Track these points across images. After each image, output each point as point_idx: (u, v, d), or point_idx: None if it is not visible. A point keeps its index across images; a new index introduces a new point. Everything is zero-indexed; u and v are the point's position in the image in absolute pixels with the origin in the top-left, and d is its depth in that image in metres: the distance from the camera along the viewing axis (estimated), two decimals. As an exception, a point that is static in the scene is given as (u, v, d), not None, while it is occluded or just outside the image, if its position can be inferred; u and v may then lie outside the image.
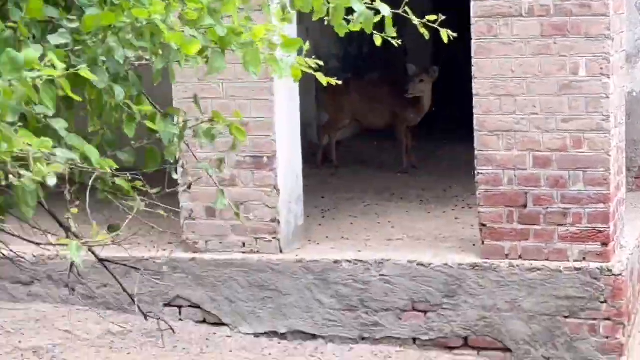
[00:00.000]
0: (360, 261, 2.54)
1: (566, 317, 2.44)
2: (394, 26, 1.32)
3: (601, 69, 2.37)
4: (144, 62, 1.11)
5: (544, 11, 2.39)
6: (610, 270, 2.41)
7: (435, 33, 1.45)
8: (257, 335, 2.55)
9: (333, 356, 2.43)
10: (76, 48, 0.99)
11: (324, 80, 1.32)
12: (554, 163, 2.43)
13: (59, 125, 0.94)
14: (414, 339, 2.50)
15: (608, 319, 2.41)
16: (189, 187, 2.16)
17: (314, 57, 1.27)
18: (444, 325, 2.48)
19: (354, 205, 3.20)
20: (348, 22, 1.27)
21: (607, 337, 2.42)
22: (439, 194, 3.28)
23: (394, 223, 2.92)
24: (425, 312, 2.48)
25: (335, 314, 2.53)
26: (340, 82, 1.39)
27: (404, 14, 1.38)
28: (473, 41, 2.43)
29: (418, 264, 2.50)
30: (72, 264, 1.61)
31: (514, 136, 2.44)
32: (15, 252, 1.69)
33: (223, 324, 2.58)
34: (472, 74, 2.45)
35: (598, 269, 2.41)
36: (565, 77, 2.40)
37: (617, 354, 2.41)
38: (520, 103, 2.43)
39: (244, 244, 2.63)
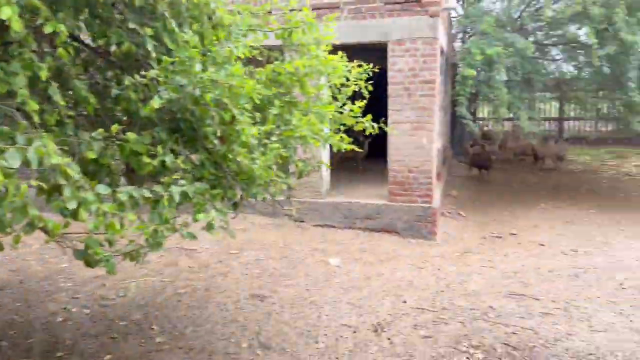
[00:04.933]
0: (351, 202, 7.29)
1: (417, 221, 7.05)
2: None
3: (430, 140, 6.97)
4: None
5: (411, 121, 7.05)
6: (431, 206, 6.94)
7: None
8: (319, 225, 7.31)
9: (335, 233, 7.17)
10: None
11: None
12: (415, 171, 7.03)
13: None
14: (367, 228, 7.23)
15: (430, 222, 6.97)
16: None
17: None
18: (376, 224, 7.19)
19: (366, 182, 8.01)
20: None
21: (429, 228, 6.98)
22: (377, 179, 8.00)
23: (367, 189, 7.67)
24: (371, 218, 7.21)
25: (341, 219, 7.28)
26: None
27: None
28: (388, 132, 7.07)
29: (369, 203, 7.23)
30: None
31: (401, 162, 7.08)
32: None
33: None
34: (388, 142, 7.08)
35: (428, 206, 6.99)
36: (418, 144, 6.93)
37: (433, 234, 6.79)
38: (403, 152, 7.04)
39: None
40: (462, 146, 13.22)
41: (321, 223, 7.07)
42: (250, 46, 3.16)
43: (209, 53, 2.59)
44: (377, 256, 5.99)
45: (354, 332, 4.06)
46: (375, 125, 3.50)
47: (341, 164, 10.07)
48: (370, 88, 3.59)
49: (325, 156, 7.18)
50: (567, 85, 10.37)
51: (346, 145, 3.50)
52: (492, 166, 11.14)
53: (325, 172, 7.31)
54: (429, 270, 5.56)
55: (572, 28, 9.62)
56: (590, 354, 3.73)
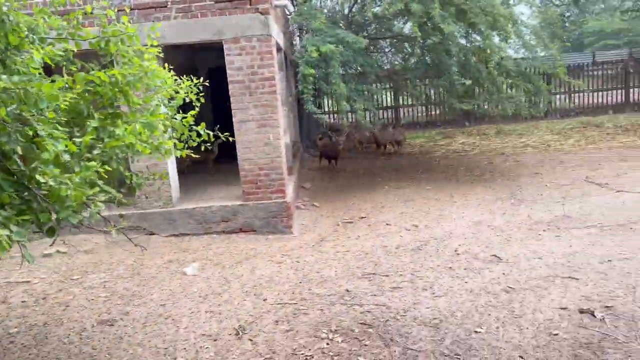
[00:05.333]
0: (205, 207, 7.10)
1: (273, 217, 7.09)
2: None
3: (277, 137, 6.98)
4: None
5: (256, 119, 7.05)
6: (285, 202, 7.06)
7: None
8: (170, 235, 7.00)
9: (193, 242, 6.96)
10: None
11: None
12: (265, 168, 7.06)
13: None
14: (224, 231, 7.12)
15: (286, 217, 7.03)
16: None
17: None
18: (234, 225, 7.11)
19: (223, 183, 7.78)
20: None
21: (286, 223, 7.10)
22: (231, 180, 7.95)
23: (221, 192, 7.53)
24: (226, 221, 7.10)
25: (195, 225, 7.06)
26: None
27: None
28: (235, 131, 6.97)
29: (224, 205, 7.12)
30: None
31: (251, 160, 7.06)
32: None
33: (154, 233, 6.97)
34: (236, 140, 7.03)
35: (282, 201, 7.08)
36: (266, 141, 6.89)
37: (290, 228, 6.96)
38: (252, 149, 6.98)
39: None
40: (311, 139, 13.57)
41: (175, 233, 6.78)
42: (60, 54, 2.85)
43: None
44: (236, 258, 5.92)
45: (215, 340, 3.96)
46: (211, 132, 3.41)
47: (191, 169, 9.76)
48: (202, 100, 3.51)
49: (171, 164, 6.86)
50: (398, 76, 11.24)
51: (182, 151, 3.37)
52: (340, 156, 11.65)
53: (174, 180, 6.99)
54: (288, 264, 5.64)
55: (399, 22, 10.50)
56: (435, 319, 4.09)
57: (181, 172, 9.51)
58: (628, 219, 6.43)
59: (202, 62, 11.97)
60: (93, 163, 2.54)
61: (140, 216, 6.70)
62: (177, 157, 9.16)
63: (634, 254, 5.15)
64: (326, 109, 14.86)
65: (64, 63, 3.06)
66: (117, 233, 2.75)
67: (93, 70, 3.18)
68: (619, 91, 16.52)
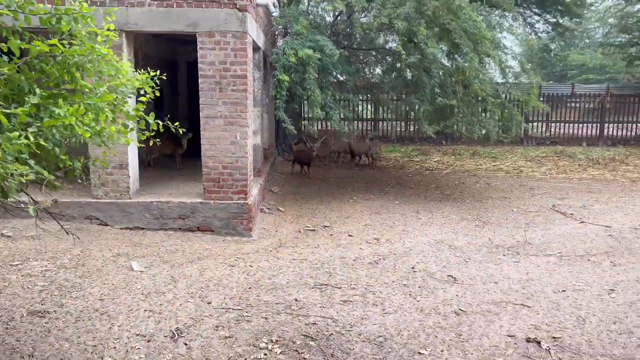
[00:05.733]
0: (163, 202, 6.87)
1: (233, 219, 6.88)
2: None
3: (244, 136, 6.79)
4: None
5: (224, 116, 6.85)
6: (247, 203, 6.90)
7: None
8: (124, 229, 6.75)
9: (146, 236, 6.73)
10: None
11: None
12: (229, 167, 6.85)
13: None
14: (180, 228, 6.90)
15: (246, 219, 6.89)
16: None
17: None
18: (192, 223, 6.90)
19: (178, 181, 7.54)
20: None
21: (246, 225, 6.89)
22: (197, 177, 7.75)
23: (184, 187, 7.31)
24: (184, 218, 6.89)
25: (151, 220, 6.84)
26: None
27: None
28: (201, 126, 6.75)
29: (183, 202, 6.91)
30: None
31: (215, 158, 6.88)
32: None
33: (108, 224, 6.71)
34: (201, 137, 6.79)
35: (244, 202, 6.88)
36: (232, 139, 6.72)
37: (249, 230, 6.80)
38: (217, 147, 6.77)
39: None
40: (287, 144, 13.51)
41: (129, 225, 6.54)
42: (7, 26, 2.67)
43: None
44: (188, 257, 5.71)
45: (149, 341, 3.76)
46: (163, 123, 3.29)
47: (159, 162, 9.47)
48: (158, 93, 3.36)
49: (131, 153, 6.64)
50: (376, 88, 11.19)
51: (129, 139, 3.21)
52: (313, 163, 11.61)
53: (134, 171, 6.76)
54: (241, 267, 5.47)
55: (384, 36, 10.45)
56: (380, 336, 3.98)
57: (147, 164, 9.26)
58: (587, 250, 6.44)
59: (182, 55, 11.76)
60: (22, 139, 2.36)
61: (94, 206, 6.44)
62: (145, 148, 9.01)
63: (588, 286, 5.13)
64: (305, 115, 14.69)
65: (11, 37, 2.85)
66: (33, 212, 2.55)
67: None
68: (594, 125, 16.77)
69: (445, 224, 7.73)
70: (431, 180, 11.52)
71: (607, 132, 16.73)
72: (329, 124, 14.66)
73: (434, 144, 16.63)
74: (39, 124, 2.78)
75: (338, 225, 7.51)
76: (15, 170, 2.25)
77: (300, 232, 7.16)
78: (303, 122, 13.43)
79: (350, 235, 6.99)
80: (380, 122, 16.79)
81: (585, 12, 18.62)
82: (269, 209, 8.12)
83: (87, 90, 3.09)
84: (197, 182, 7.82)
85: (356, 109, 12.92)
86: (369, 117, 16.67)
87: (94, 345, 3.67)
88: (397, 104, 11.68)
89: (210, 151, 6.64)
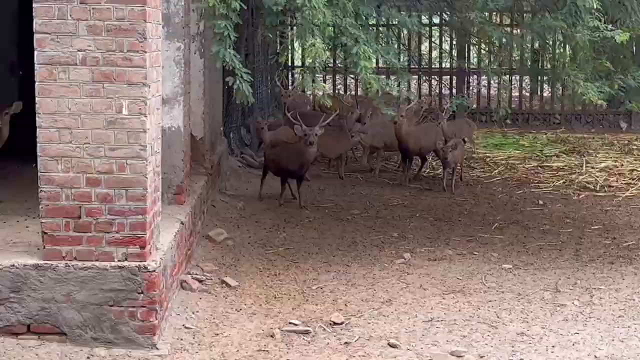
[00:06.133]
0: None
1: (111, 305, 5.92)
2: None
3: (139, 109, 5.79)
4: None
5: (94, 62, 5.66)
6: (146, 268, 5.92)
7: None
8: None
9: None
10: None
11: None
12: (103, 183, 5.87)
13: None
14: None
15: (144, 306, 5.91)
16: None
17: None
18: (11, 316, 5.71)
19: None
20: None
21: (143, 321, 5.93)
22: (16, 207, 6.84)
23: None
24: None
25: None
26: None
27: None
28: (37, 84, 5.66)
29: None
30: None
31: (71, 161, 5.80)
32: None
33: None
34: (36, 110, 5.61)
35: (137, 267, 5.94)
36: (112, 115, 5.84)
37: (150, 334, 6.00)
38: (76, 134, 5.77)
39: None
40: (247, 126, 13.48)
41: None
42: None
43: None
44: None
45: None
46: None
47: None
48: None
49: None
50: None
51: None
52: (312, 170, 11.69)
53: None
54: None
55: None
56: None
57: None
58: None
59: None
60: None
61: None
62: None
63: None
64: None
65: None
66: None
67: None
68: None
69: (623, 319, 7.22)
70: (592, 213, 11.24)
71: None
72: (348, 82, 13.67)
73: (600, 128, 16.08)
74: None
75: (365, 319, 7.08)
76: None
77: (272, 336, 6.68)
78: (289, 77, 12.54)
79: (393, 347, 6.49)
80: (470, 77, 16.66)
81: None
82: (201, 280, 7.70)
83: None
84: (31, 218, 7.22)
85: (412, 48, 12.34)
86: (444, 66, 16.44)
87: None
88: (509, 35, 11.37)
89: (58, 145, 5.91)
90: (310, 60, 8.12)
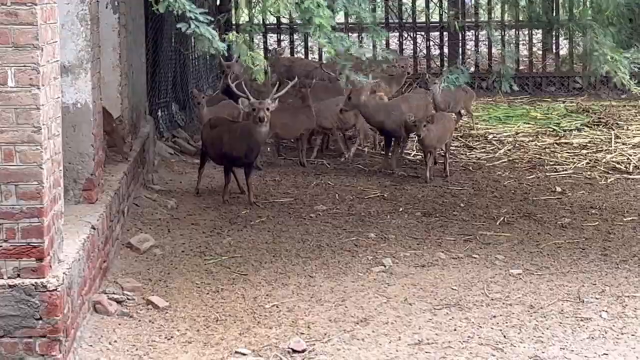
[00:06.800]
0: None
1: (1, 336, 5.65)
2: None
3: (30, 79, 5.66)
4: None
5: None
6: (45, 286, 5.80)
7: None
8: None
9: None
10: None
11: None
12: None
13: None
14: None
15: (44, 336, 5.79)
16: None
17: None
18: None
19: None
20: None
21: (43, 355, 5.74)
22: None
23: None
24: None
25: None
26: None
27: None
28: None
29: None
30: None
31: None
32: None
33: None
34: None
35: (33, 285, 5.80)
36: None
37: None
38: None
39: None
40: (180, 100, 13.50)
41: None
42: None
43: None
44: None
45: None
46: None
47: None
48: None
49: None
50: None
51: None
52: (263, 155, 11.95)
53: None
54: None
55: None
56: None
57: None
58: None
59: None
60: None
61: None
62: None
63: None
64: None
65: None
66: None
67: None
68: None
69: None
70: (624, 201, 11.42)
71: None
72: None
73: (632, 94, 16.38)
74: None
75: (334, 345, 7.05)
76: None
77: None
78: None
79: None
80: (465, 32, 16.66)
81: None
82: (120, 301, 7.67)
83: None
84: None
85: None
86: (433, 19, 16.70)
87: None
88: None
89: None
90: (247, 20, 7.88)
